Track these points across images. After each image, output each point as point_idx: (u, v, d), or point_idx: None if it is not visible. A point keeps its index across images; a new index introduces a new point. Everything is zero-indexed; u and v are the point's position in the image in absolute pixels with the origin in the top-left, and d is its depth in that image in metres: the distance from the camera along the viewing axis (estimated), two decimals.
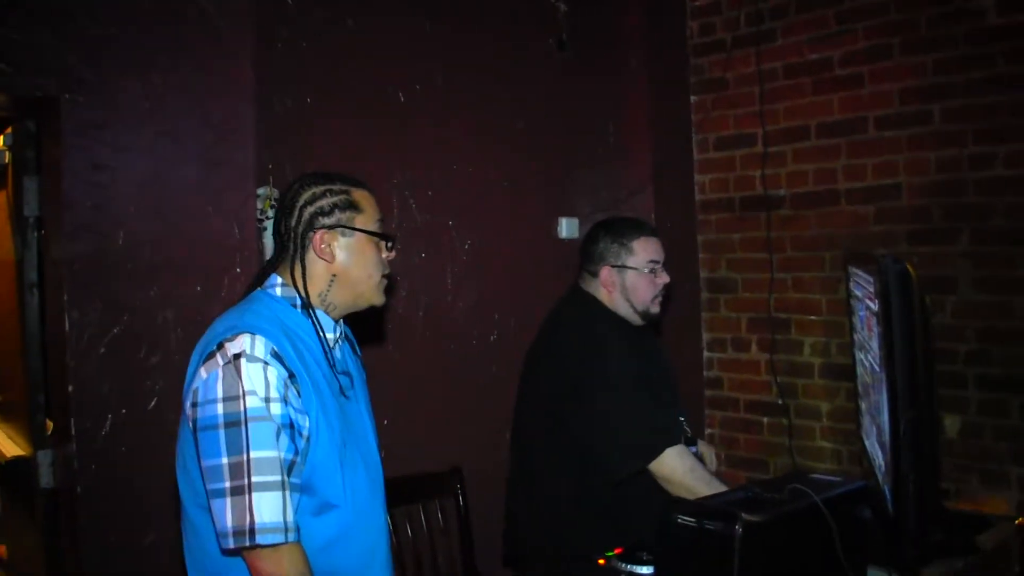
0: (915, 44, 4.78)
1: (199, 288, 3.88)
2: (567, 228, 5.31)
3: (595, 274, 3.79)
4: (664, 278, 3.79)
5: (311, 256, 2.58)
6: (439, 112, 4.74)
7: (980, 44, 4.56)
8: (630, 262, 3.75)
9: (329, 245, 2.57)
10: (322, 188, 2.59)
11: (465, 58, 4.86)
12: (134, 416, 3.74)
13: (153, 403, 3.77)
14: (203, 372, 2.36)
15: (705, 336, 5.67)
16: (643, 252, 3.77)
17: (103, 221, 3.72)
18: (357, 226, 2.60)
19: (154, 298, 3.79)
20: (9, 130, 4.19)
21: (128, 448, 3.74)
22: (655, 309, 3.81)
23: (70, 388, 3.67)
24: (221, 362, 2.34)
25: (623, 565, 3.05)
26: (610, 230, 3.83)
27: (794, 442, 5.28)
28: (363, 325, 4.36)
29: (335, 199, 2.59)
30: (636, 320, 3.80)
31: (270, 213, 4.03)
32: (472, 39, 4.91)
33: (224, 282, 3.91)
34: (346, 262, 2.60)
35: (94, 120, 3.72)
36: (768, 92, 5.39)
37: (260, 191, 4.04)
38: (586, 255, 3.85)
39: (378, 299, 2.71)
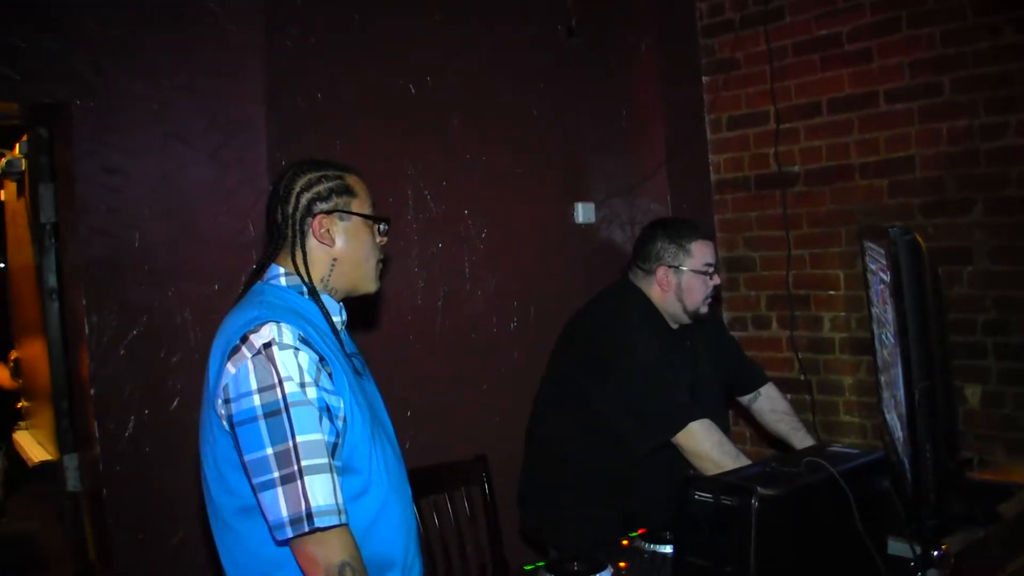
0: (922, 16, 4.77)
1: (216, 287, 3.90)
2: (583, 213, 5.32)
3: (650, 272, 3.83)
4: (717, 280, 3.84)
5: (311, 242, 2.58)
6: (451, 103, 4.75)
7: (987, 14, 4.55)
8: (687, 264, 3.80)
9: (328, 230, 2.57)
10: (317, 174, 2.59)
11: (475, 48, 4.87)
12: (157, 417, 3.77)
13: (175, 403, 3.80)
14: (231, 367, 2.33)
15: (725, 315, 5.66)
16: (700, 254, 3.82)
17: (118, 224, 3.75)
18: (353, 210, 2.61)
19: (171, 299, 3.82)
20: (24, 138, 4.22)
21: (152, 448, 3.77)
22: (704, 310, 3.86)
23: (92, 391, 3.70)
24: (249, 354, 2.31)
25: (646, 545, 3.08)
26: (668, 231, 3.87)
27: (818, 418, 5.28)
28: (385, 317, 4.39)
29: (331, 184, 2.59)
30: (683, 319, 3.84)
31: None
32: (481, 28, 4.91)
33: (240, 280, 3.90)
34: (345, 246, 2.60)
35: (105, 125, 3.74)
36: (778, 70, 5.38)
37: None
38: (641, 253, 3.89)
39: (373, 285, 2.71)
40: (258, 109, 4.06)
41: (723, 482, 2.51)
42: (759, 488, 2.38)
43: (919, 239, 2.54)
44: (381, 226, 2.68)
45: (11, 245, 5.09)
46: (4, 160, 4.40)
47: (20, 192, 4.52)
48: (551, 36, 5.25)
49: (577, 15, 5.28)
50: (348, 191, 2.61)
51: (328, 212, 2.58)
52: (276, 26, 4.18)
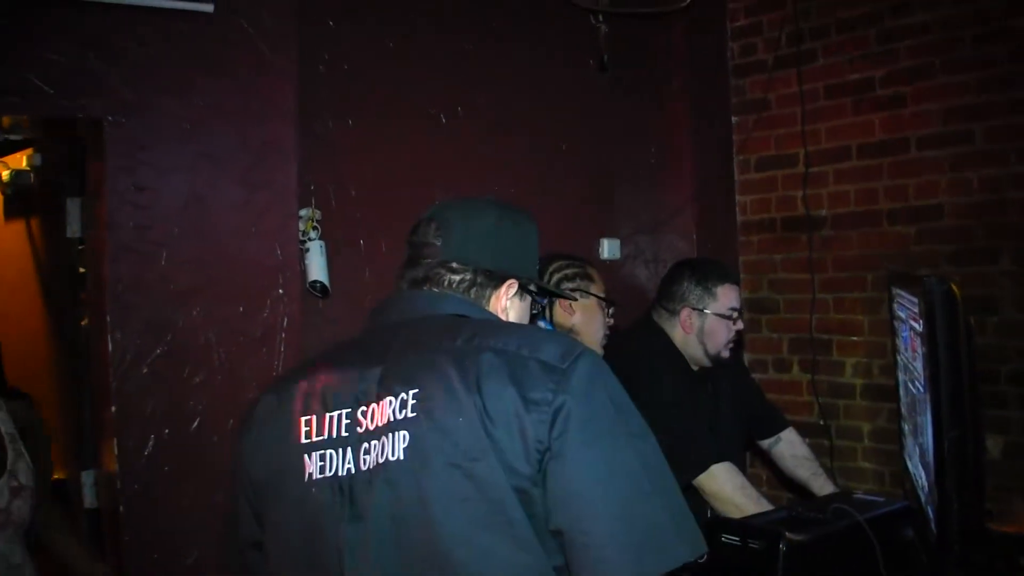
0: (957, 63, 4.75)
1: (241, 309, 3.89)
2: (609, 249, 5.31)
3: (674, 312, 3.83)
4: (740, 325, 3.83)
5: None
6: (481, 133, 4.75)
7: (1023, 62, 4.53)
8: (711, 307, 3.80)
9: None
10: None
11: (507, 79, 4.88)
12: (177, 436, 3.75)
13: (196, 423, 3.78)
14: None
15: (746, 357, 5.64)
16: (725, 299, 3.82)
17: (146, 242, 3.74)
18: None
19: (196, 318, 3.81)
20: (31, 151, 4.23)
21: (170, 468, 3.75)
22: (726, 354, 3.86)
23: (113, 408, 3.69)
24: None
25: None
26: (694, 272, 3.87)
27: (835, 463, 5.24)
28: None
29: None
30: (704, 362, 3.84)
31: (312, 234, 4.06)
32: (514, 60, 4.93)
33: (266, 303, 3.92)
34: None
35: (136, 142, 3.74)
36: (809, 112, 5.36)
37: (302, 212, 4.07)
38: (666, 293, 3.89)
39: None
40: (289, 131, 4.06)
41: (750, 525, 2.51)
42: (787, 533, 2.37)
43: (955, 288, 2.53)
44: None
45: None
46: (8, 172, 4.40)
47: (29, 206, 4.50)
48: (582, 69, 5.25)
49: (609, 50, 5.28)
50: None
51: None
52: (309, 49, 4.19)
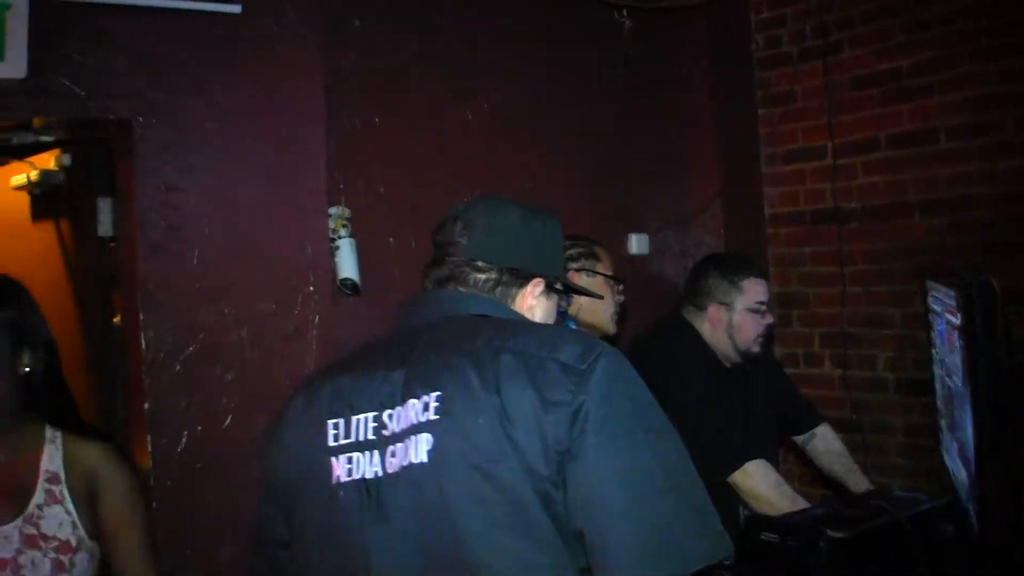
0: (984, 53, 4.72)
1: (273, 307, 3.89)
2: (637, 244, 5.29)
3: (702, 308, 3.82)
4: (769, 319, 3.82)
5: None
6: (507, 130, 4.74)
7: None
8: (739, 302, 3.79)
9: None
10: None
11: (532, 75, 4.87)
12: (209, 433, 3.77)
13: (228, 420, 3.79)
14: None
15: (776, 351, 5.61)
16: (752, 293, 3.81)
17: (177, 241, 3.76)
18: None
19: (228, 317, 3.82)
20: (59, 151, 4.24)
21: (203, 465, 3.76)
22: (756, 349, 3.84)
23: (146, 406, 3.70)
24: None
25: None
26: (720, 267, 3.86)
27: (868, 459, 5.21)
28: None
29: None
30: (734, 358, 3.83)
31: (342, 232, 4.06)
32: (539, 57, 4.92)
33: (297, 300, 3.93)
34: None
35: (166, 142, 3.75)
36: (836, 104, 5.34)
37: (332, 210, 4.07)
38: (693, 288, 3.88)
39: None
40: (316, 130, 4.06)
41: (789, 523, 2.50)
42: (827, 530, 2.36)
43: (993, 282, 2.52)
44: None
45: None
46: (36, 172, 4.39)
47: (56, 207, 4.51)
48: (607, 65, 5.24)
49: (633, 45, 5.27)
50: None
51: None
52: (335, 48, 4.19)
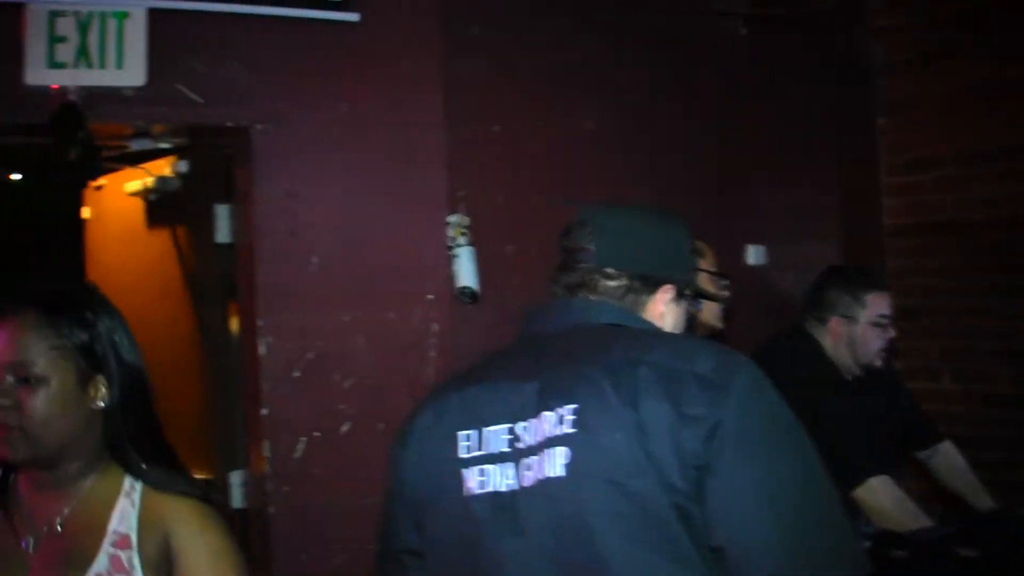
0: None
1: (391, 315, 3.92)
2: (755, 255, 5.23)
3: (823, 320, 3.78)
4: (891, 333, 3.76)
5: None
6: (625, 138, 4.71)
7: None
8: (861, 316, 3.75)
9: None
10: None
11: (650, 84, 4.83)
12: (327, 440, 3.80)
13: (346, 427, 3.82)
14: None
15: (896, 365, 5.51)
16: (875, 306, 3.77)
17: (297, 248, 3.80)
18: None
19: (347, 324, 3.85)
20: (174, 158, 4.30)
21: (319, 471, 3.80)
22: (877, 362, 3.80)
23: (264, 411, 3.74)
24: None
25: None
26: (844, 280, 3.83)
27: (988, 476, 5.08)
28: None
29: None
30: (855, 371, 3.78)
31: (461, 240, 4.05)
32: (656, 65, 4.88)
33: (416, 309, 3.95)
34: None
35: (284, 149, 3.80)
36: (958, 113, 5.23)
37: (451, 218, 4.08)
38: (815, 301, 3.84)
39: None
40: (436, 138, 4.08)
41: (919, 540, 2.45)
42: (958, 549, 2.31)
43: None
44: None
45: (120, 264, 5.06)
46: (152, 179, 4.45)
47: (170, 213, 4.56)
48: (725, 74, 5.18)
49: (751, 54, 5.21)
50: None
51: None
52: (453, 56, 4.20)
